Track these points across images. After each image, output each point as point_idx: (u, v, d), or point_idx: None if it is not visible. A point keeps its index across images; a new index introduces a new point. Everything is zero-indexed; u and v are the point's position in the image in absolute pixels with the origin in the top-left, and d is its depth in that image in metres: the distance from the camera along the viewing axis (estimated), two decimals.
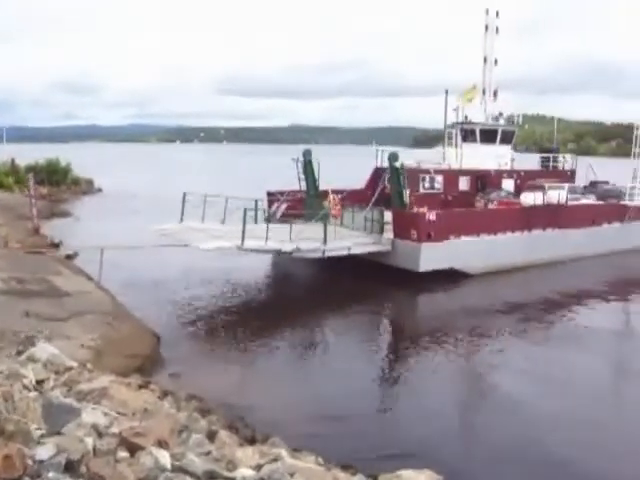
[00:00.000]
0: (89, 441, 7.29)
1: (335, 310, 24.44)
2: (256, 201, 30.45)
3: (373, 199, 29.91)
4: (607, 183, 43.99)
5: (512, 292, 28.12)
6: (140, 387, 12.53)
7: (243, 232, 24.09)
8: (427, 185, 36.49)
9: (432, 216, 28.06)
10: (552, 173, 41.55)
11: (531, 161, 44.92)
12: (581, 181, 43.07)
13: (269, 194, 34.33)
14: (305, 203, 32.52)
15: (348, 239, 27.77)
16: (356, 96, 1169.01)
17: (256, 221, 30.03)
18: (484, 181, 38.22)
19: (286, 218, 31.01)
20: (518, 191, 37.40)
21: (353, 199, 33.06)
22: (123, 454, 7.42)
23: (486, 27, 40.21)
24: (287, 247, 25.35)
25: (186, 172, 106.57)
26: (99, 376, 12.10)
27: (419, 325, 23.95)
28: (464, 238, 29.19)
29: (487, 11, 40.13)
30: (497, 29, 40.45)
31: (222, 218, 29.10)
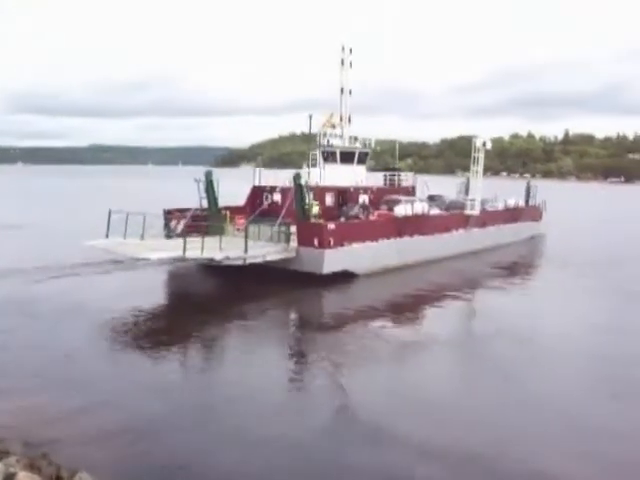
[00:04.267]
0: None
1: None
2: (169, 218, 33.90)
3: (283, 212, 34.10)
4: (441, 197, 51.29)
5: (388, 289, 33.31)
6: None
7: (184, 243, 27.33)
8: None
9: (332, 226, 32.85)
10: (398, 189, 47.76)
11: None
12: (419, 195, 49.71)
13: (166, 212, 37.19)
14: (208, 219, 35.65)
15: (260, 249, 31.65)
16: (162, 115, 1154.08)
17: (170, 236, 33.56)
18: (345, 197, 43.27)
19: (185, 233, 34.41)
20: (372, 205, 43.00)
21: (235, 214, 37.21)
22: None
23: (342, 62, 45.69)
24: (218, 256, 28.82)
25: None
26: None
27: (313, 337, 24.20)
28: (354, 244, 34.22)
29: (343, 48, 45.63)
30: (351, 64, 46.09)
31: (141, 233, 31.87)
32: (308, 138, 45.84)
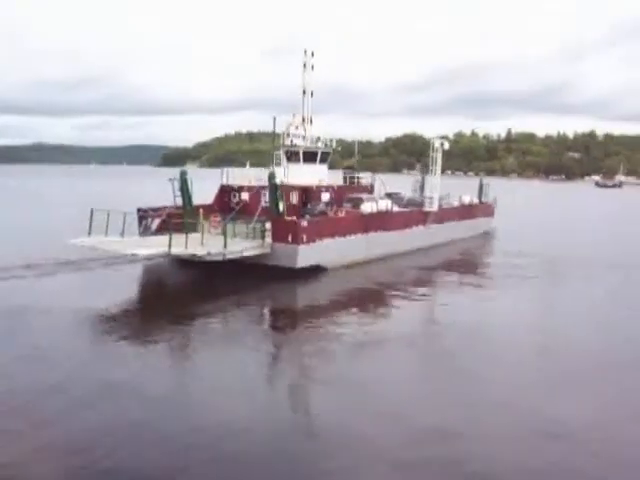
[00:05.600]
0: None
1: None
2: (143, 216, 35.21)
3: (258, 210, 35.74)
4: (399, 194, 53.42)
5: (354, 283, 34.83)
6: None
7: (170, 240, 28.70)
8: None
9: (305, 223, 34.63)
10: (357, 187, 49.82)
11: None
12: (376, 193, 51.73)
13: (139, 210, 38.32)
14: (184, 217, 36.85)
15: (238, 245, 33.18)
16: (104, 114, 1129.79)
17: (145, 234, 34.83)
18: (308, 195, 44.97)
19: (160, 231, 35.86)
20: (335, 202, 44.79)
21: (205, 211, 38.68)
22: None
23: (304, 65, 47.40)
24: (201, 252, 30.29)
25: None
26: None
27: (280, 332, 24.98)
28: (325, 240, 36.06)
29: (305, 51, 47.38)
30: (313, 66, 47.81)
31: (121, 231, 33.14)
32: (272, 138, 47.38)
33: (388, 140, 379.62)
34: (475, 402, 17.28)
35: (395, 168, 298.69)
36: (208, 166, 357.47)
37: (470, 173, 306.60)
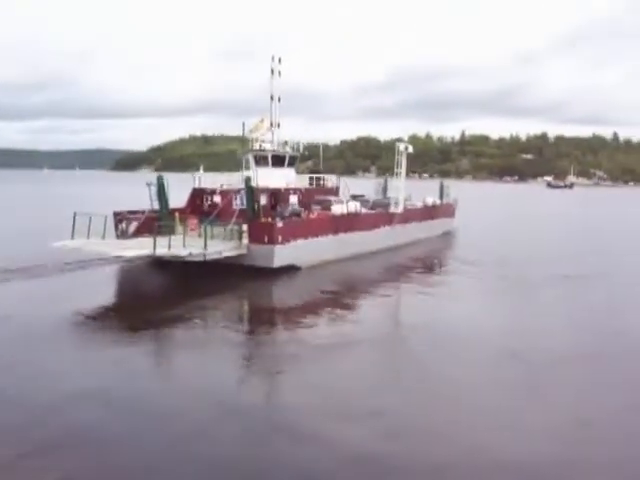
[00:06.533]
0: None
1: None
2: (119, 219, 36.25)
3: (235, 214, 37.10)
4: (363, 196, 55.22)
5: (327, 281, 36.13)
6: None
7: (154, 242, 29.86)
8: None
9: (280, 224, 36.05)
10: (323, 190, 51.51)
11: None
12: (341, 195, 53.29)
13: (116, 214, 39.27)
14: (160, 220, 37.85)
15: (216, 246, 34.42)
16: (55, 117, 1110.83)
17: (123, 237, 35.90)
18: (277, 198, 46.39)
19: (138, 234, 37.01)
20: (302, 204, 46.24)
21: (179, 215, 39.93)
22: None
23: (272, 71, 48.89)
24: (183, 252, 31.49)
25: None
26: None
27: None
28: (299, 241, 37.53)
29: (272, 57, 48.90)
30: (280, 73, 49.31)
31: (102, 233, 34.15)
32: (242, 142, 48.81)
33: (343, 143, 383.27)
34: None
35: (350, 171, 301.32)
36: (163, 170, 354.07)
37: (425, 175, 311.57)
